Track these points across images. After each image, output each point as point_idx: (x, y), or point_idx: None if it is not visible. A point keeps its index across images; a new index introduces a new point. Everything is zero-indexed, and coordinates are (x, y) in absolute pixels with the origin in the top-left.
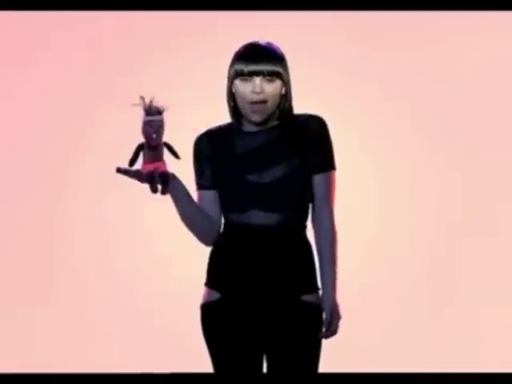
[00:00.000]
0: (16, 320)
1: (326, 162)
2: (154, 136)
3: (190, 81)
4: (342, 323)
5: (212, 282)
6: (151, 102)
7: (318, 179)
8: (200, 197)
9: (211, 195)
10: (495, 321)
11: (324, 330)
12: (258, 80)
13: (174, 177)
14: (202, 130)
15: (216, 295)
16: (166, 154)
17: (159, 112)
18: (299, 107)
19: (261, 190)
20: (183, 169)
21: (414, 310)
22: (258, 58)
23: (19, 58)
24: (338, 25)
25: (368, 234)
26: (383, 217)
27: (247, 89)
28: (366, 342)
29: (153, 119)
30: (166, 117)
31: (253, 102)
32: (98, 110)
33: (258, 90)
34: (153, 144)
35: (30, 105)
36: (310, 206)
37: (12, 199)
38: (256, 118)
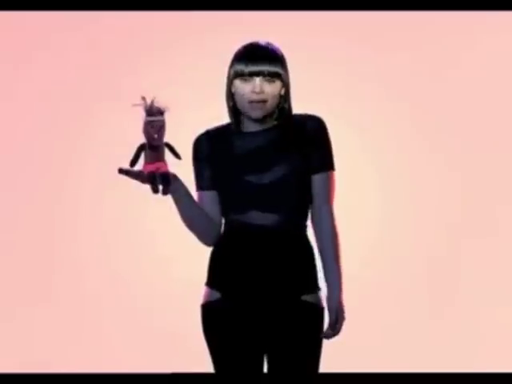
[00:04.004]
0: (16, 320)
1: (325, 163)
2: (156, 136)
3: (190, 81)
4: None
5: (212, 281)
6: (152, 102)
7: (317, 179)
8: (199, 197)
9: (210, 196)
10: (495, 321)
11: (329, 331)
12: (257, 80)
13: (175, 177)
14: (202, 130)
15: (216, 295)
16: (167, 155)
17: (160, 112)
18: (299, 107)
19: (260, 190)
20: (184, 169)
21: (414, 310)
22: (259, 58)
23: (19, 58)
24: (338, 25)
25: (368, 234)
26: (383, 217)
27: (247, 89)
28: (366, 342)
29: (154, 119)
30: (168, 117)
31: (252, 101)
32: (98, 109)
33: (257, 90)
34: (154, 144)
35: (30, 105)
36: (310, 206)
37: (12, 199)
38: (256, 113)
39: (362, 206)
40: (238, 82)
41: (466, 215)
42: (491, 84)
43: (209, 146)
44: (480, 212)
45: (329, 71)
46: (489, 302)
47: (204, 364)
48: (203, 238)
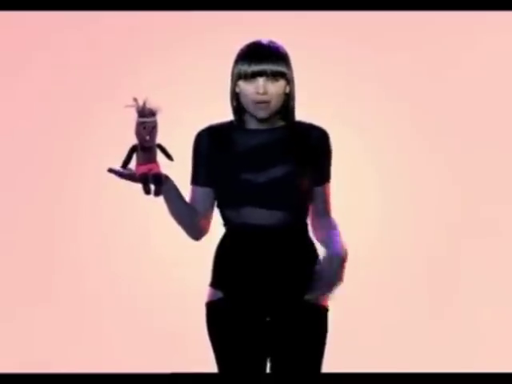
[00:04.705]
0: (16, 320)
1: (325, 175)
2: (148, 137)
3: (190, 81)
4: (342, 323)
5: (215, 281)
6: (144, 103)
7: (317, 191)
8: (193, 191)
9: (204, 192)
10: (495, 321)
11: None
12: (261, 81)
13: (167, 178)
14: (201, 128)
15: (219, 294)
16: (159, 155)
17: (152, 113)
18: (299, 108)
19: (256, 189)
20: (176, 170)
21: (414, 310)
22: (261, 58)
23: (19, 58)
24: (338, 25)
25: (368, 234)
26: (383, 217)
27: (251, 89)
28: (366, 342)
29: (146, 121)
30: (160, 118)
31: (257, 102)
32: (98, 109)
33: (261, 90)
34: (146, 146)
35: (30, 105)
36: (308, 206)
37: (12, 199)
38: (261, 114)
39: (361, 206)
40: (241, 83)
41: (466, 215)
42: (491, 84)
43: (210, 143)
44: (480, 212)
45: (329, 71)
46: (489, 302)
47: (204, 364)
48: (191, 233)
